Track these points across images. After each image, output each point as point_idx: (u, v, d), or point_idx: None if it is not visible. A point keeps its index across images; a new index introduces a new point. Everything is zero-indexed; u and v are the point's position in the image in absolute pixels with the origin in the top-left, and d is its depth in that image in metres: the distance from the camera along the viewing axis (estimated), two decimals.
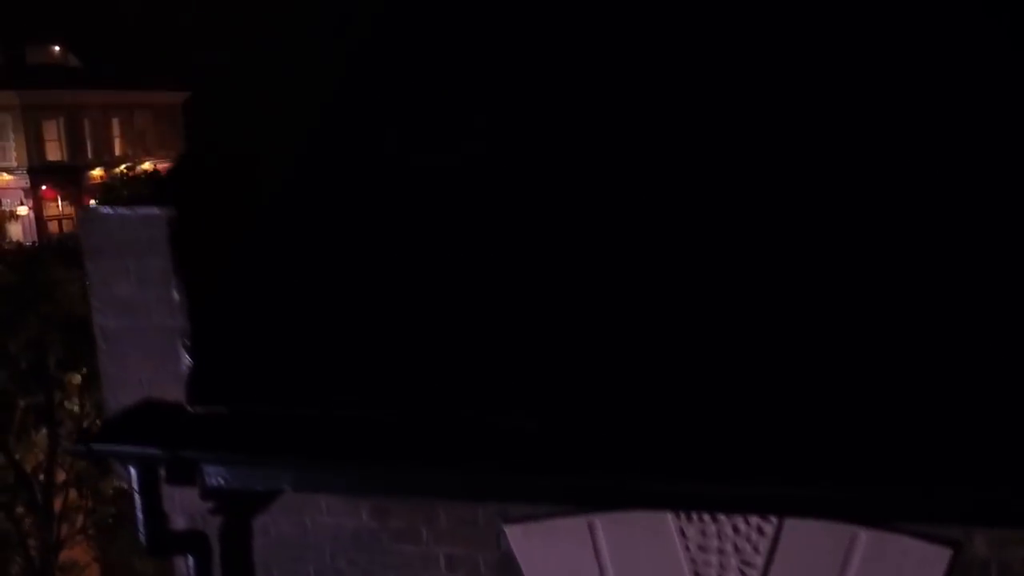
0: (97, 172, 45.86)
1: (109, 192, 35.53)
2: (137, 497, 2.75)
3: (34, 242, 43.17)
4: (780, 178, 2.89)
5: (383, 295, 2.87)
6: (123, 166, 47.45)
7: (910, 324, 2.59)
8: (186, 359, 2.81)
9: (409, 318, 2.87)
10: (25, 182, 43.28)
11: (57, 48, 49.10)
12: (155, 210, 2.75)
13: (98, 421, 13.05)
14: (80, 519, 13.22)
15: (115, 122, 47.45)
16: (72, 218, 45.10)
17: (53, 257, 40.80)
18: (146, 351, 2.87)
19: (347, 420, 2.81)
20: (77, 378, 12.94)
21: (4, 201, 43.74)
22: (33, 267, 16.22)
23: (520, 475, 2.72)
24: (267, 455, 2.72)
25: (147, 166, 48.91)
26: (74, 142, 44.59)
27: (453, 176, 2.99)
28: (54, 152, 44.15)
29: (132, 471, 2.71)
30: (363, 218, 2.98)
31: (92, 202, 44.54)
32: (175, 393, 2.83)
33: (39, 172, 43.38)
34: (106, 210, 2.83)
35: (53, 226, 44.66)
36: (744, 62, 3.26)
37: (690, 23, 3.44)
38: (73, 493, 13.09)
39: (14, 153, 43.18)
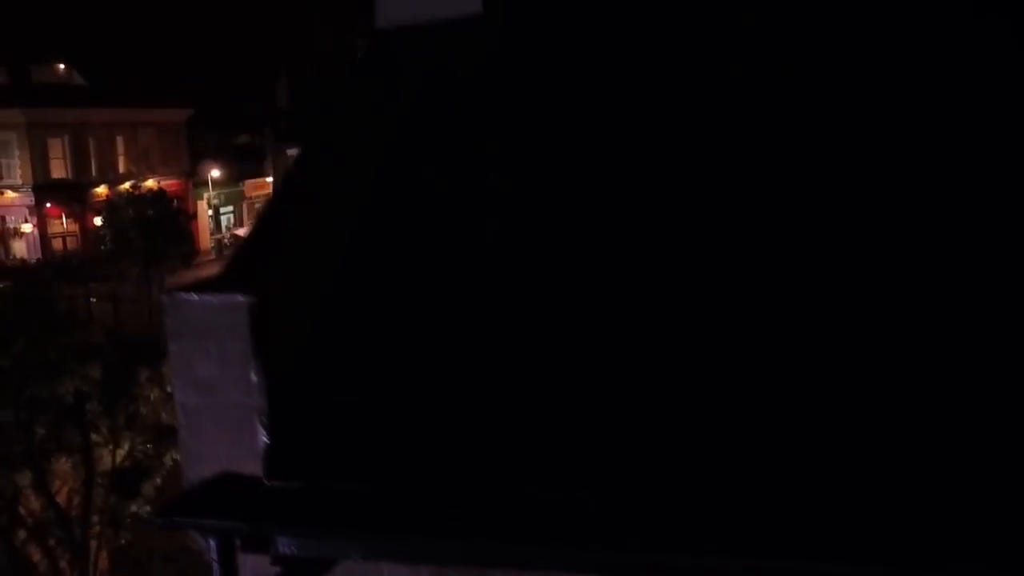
0: (101, 189, 46.08)
1: (114, 211, 35.77)
2: (216, 566, 2.92)
3: (38, 259, 43.38)
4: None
5: (443, 375, 3.06)
6: (128, 183, 47.72)
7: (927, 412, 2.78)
8: (263, 435, 2.99)
9: (468, 397, 3.06)
10: (30, 199, 43.47)
11: (62, 66, 49.43)
12: (236, 297, 2.93)
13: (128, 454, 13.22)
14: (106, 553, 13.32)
15: (119, 139, 47.69)
16: (76, 235, 45.32)
17: (56, 274, 41.05)
18: (224, 427, 3.05)
19: (409, 494, 3.00)
20: (107, 418, 13.03)
21: (8, 218, 43.97)
22: (44, 294, 16.35)
23: (572, 548, 2.91)
24: (339, 528, 2.90)
25: (151, 183, 49.19)
26: (79, 160, 44.82)
27: (511, 261, 3.20)
28: (59, 170, 44.36)
29: (212, 543, 2.89)
30: (424, 301, 3.17)
31: (96, 220, 44.73)
32: (251, 467, 3.01)
33: (44, 189, 43.57)
34: (189, 296, 3.01)
35: (57, 243, 44.84)
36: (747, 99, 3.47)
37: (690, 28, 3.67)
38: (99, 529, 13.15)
39: (19, 171, 43.39)
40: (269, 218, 3.61)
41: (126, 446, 13.24)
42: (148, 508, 12.42)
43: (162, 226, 33.75)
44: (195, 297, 2.99)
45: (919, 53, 3.54)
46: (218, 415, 3.07)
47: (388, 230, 3.41)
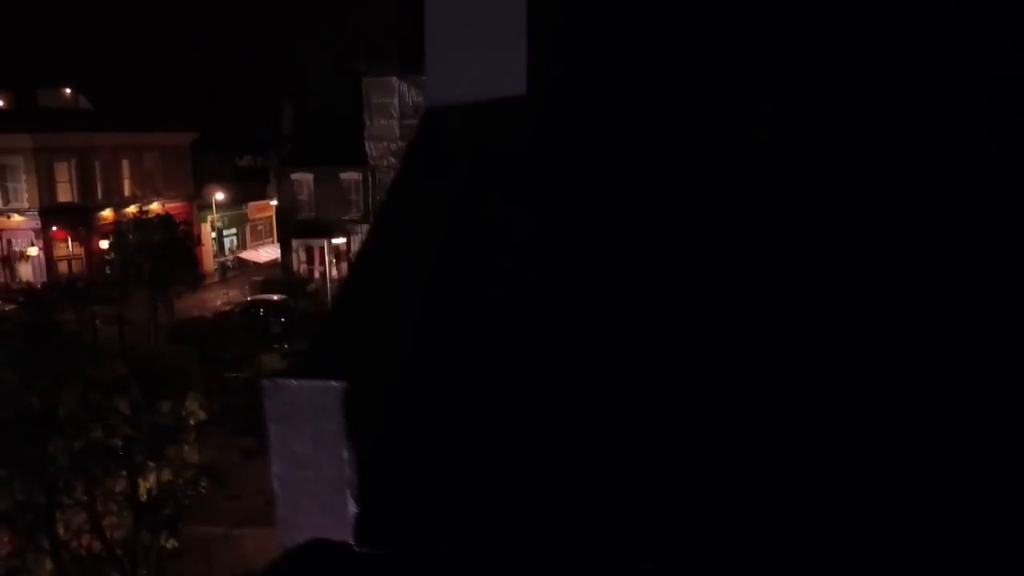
0: (107, 213, 46.47)
1: (121, 236, 36.09)
2: None
3: (43, 282, 43.69)
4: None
5: (529, 444, 3.38)
6: (134, 207, 48.12)
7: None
8: (353, 506, 3.30)
9: (554, 465, 3.37)
10: (36, 223, 43.85)
11: (68, 91, 49.94)
12: (331, 383, 3.26)
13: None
14: None
15: (125, 163, 48.15)
16: (81, 258, 45.65)
17: (62, 298, 41.23)
18: (317, 499, 3.36)
19: (496, 557, 3.32)
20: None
21: (15, 242, 44.33)
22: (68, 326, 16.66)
23: None
24: None
25: (156, 206, 49.59)
26: (84, 183, 45.24)
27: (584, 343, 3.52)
28: (65, 193, 44.77)
29: None
30: (492, 372, 3.49)
31: (102, 243, 44.94)
32: (342, 535, 3.32)
33: (50, 213, 43.96)
34: (288, 382, 3.34)
35: (62, 266, 45.16)
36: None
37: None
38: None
39: (25, 195, 43.79)
40: (344, 298, 3.94)
41: (154, 479, 13.49)
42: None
43: (170, 251, 34.09)
44: (293, 383, 3.30)
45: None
46: (312, 488, 3.38)
47: (450, 305, 3.74)
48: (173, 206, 51.28)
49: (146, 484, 13.26)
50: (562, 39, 5.05)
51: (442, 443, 3.37)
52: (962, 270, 3.45)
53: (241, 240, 57.79)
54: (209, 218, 52.75)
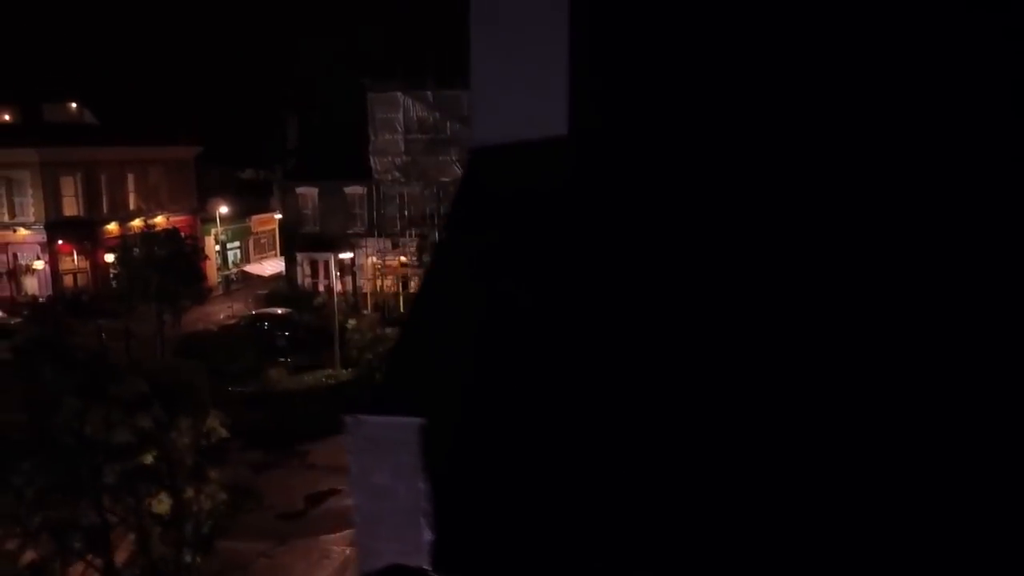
0: (112, 226, 46.72)
1: (127, 251, 36.28)
2: None
3: (49, 295, 43.89)
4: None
5: (584, 468, 3.62)
6: (138, 220, 48.35)
7: None
8: (429, 534, 3.53)
9: (613, 491, 3.61)
10: (42, 237, 44.08)
11: (73, 105, 50.25)
12: (409, 420, 3.49)
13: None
14: None
15: (130, 177, 48.43)
16: (87, 271, 45.87)
17: (68, 311, 41.32)
18: (395, 527, 3.59)
19: None
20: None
21: (21, 255, 44.54)
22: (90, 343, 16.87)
23: None
24: None
25: (160, 220, 49.82)
26: (90, 197, 45.50)
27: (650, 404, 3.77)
28: (71, 207, 45.01)
29: None
30: (551, 406, 3.73)
31: (108, 256, 45.14)
32: (419, 561, 3.55)
33: (56, 227, 44.20)
34: (368, 418, 3.57)
35: (68, 280, 45.37)
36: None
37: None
38: None
39: (31, 209, 44.04)
40: (409, 335, 4.18)
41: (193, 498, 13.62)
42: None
43: (176, 265, 34.31)
44: (372, 419, 3.54)
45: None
46: (390, 517, 3.61)
47: (506, 342, 3.99)
48: (177, 219, 51.52)
49: (185, 503, 13.43)
50: (604, 82, 5.32)
51: (511, 474, 3.61)
52: (974, 272, 3.68)
53: (244, 253, 58.02)
54: (213, 231, 52.99)
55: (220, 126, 64.91)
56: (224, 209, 52.73)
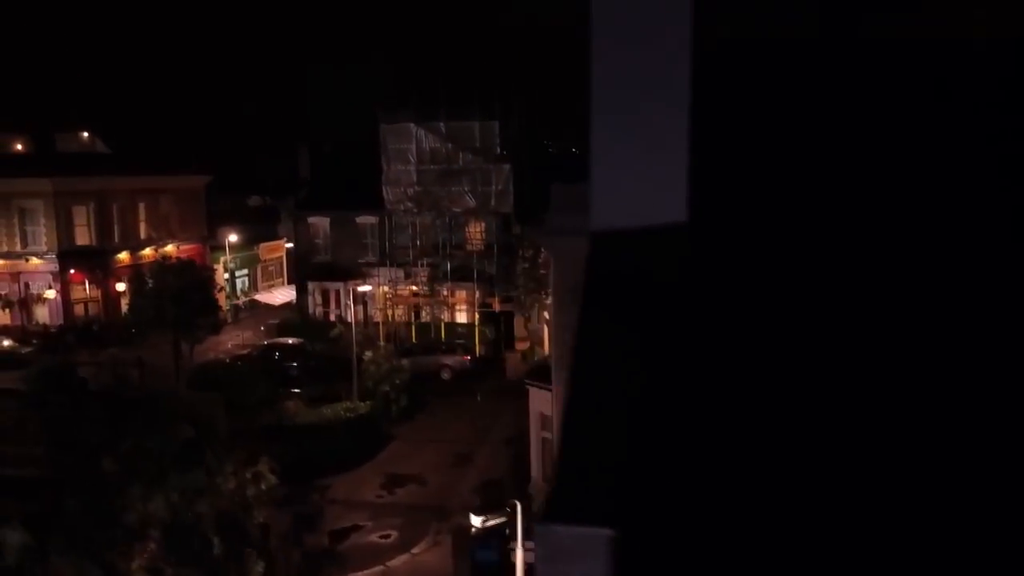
0: (124, 255, 46.83)
1: (141, 283, 36.35)
2: None
3: (60, 325, 43.91)
4: None
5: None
6: (150, 249, 48.50)
7: None
8: None
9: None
10: (54, 266, 44.17)
11: (85, 134, 50.54)
12: (599, 531, 3.59)
13: None
14: None
15: (141, 206, 48.60)
16: (98, 300, 45.92)
17: (79, 340, 41.27)
18: None
19: None
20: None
21: (32, 284, 44.59)
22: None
23: None
24: None
25: (170, 249, 49.96)
26: (102, 226, 45.64)
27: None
28: (83, 236, 45.14)
29: None
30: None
31: (119, 286, 45.17)
32: None
33: (68, 256, 44.31)
34: (559, 528, 3.67)
35: (79, 309, 45.41)
36: None
37: None
38: None
39: (44, 238, 44.18)
40: (574, 437, 4.27)
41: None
42: None
43: (192, 295, 34.40)
44: (560, 529, 3.63)
45: None
46: None
47: (667, 437, 4.09)
48: (187, 248, 51.69)
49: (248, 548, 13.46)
50: (720, 171, 5.46)
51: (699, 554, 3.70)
52: None
53: (252, 281, 58.10)
54: (222, 259, 53.10)
55: (228, 153, 65.29)
56: (233, 237, 52.87)
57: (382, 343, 36.16)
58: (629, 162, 5.21)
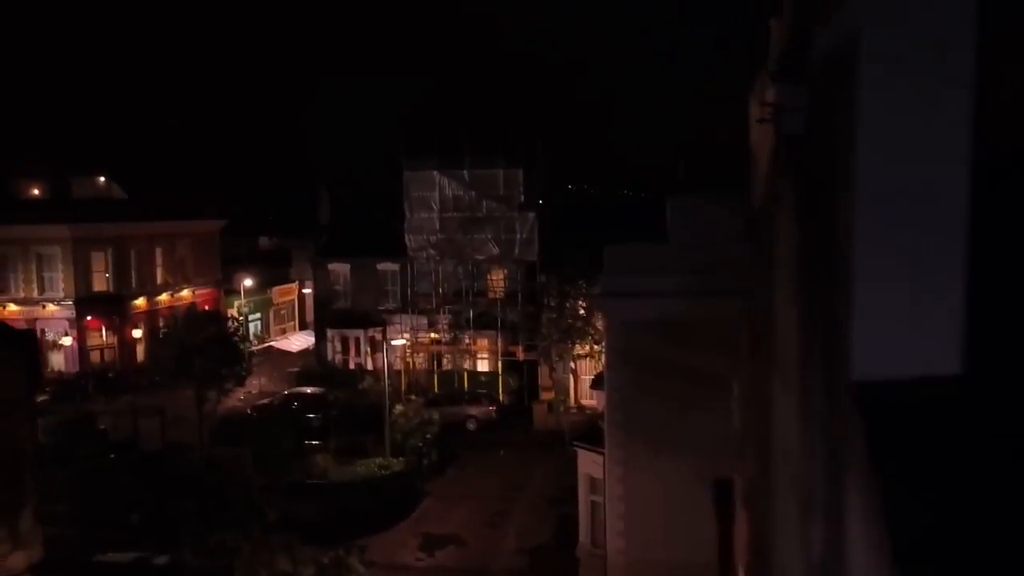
0: (140, 301, 46.38)
1: (165, 334, 35.83)
2: None
3: (76, 372, 43.30)
4: None
5: None
6: (166, 294, 48.07)
7: None
8: None
9: None
10: (71, 312, 43.69)
11: (101, 178, 50.30)
12: None
13: None
14: None
15: (158, 251, 48.25)
16: (114, 347, 45.35)
17: (96, 388, 40.61)
18: None
19: None
20: None
21: (48, 331, 44.01)
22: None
23: None
24: None
25: (186, 294, 49.55)
26: (120, 272, 45.24)
27: None
28: (100, 283, 44.72)
29: None
30: None
31: (135, 332, 44.81)
32: None
33: (85, 303, 43.84)
34: None
35: (95, 356, 44.82)
36: None
37: None
38: None
39: (62, 284, 43.73)
40: None
41: None
42: None
43: (219, 346, 33.91)
44: None
45: None
46: None
47: None
48: (202, 292, 51.30)
49: None
50: (998, 322, 5.11)
51: None
52: None
53: (265, 325, 57.59)
54: (236, 303, 52.63)
55: (239, 195, 65.14)
56: (248, 282, 52.49)
57: (414, 396, 35.62)
58: (896, 308, 4.86)
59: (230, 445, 31.31)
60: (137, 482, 29.24)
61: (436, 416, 32.95)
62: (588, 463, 22.63)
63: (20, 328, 24.69)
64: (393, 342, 38.06)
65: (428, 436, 31.72)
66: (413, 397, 34.94)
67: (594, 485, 22.60)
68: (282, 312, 60.27)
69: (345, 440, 32.69)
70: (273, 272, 59.66)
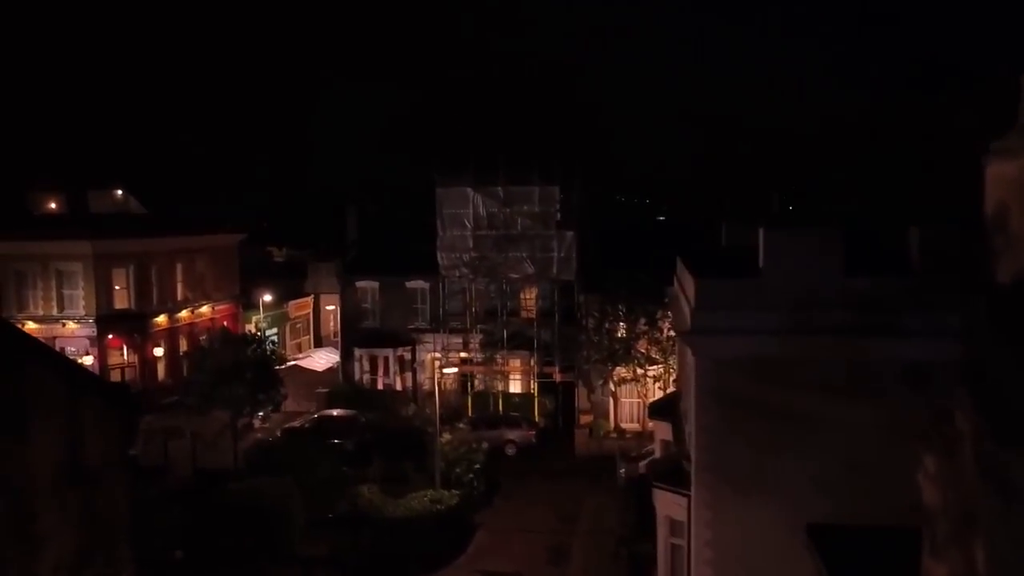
0: (161, 319, 45.17)
1: (206, 356, 34.66)
2: None
3: None
4: None
5: None
6: (186, 310, 46.85)
7: None
8: None
9: None
10: (91, 331, 42.40)
11: (119, 192, 49.05)
12: None
13: None
14: None
15: (179, 267, 47.03)
16: (135, 366, 44.12)
17: None
18: None
19: None
20: None
21: (69, 350, 42.67)
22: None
23: None
24: None
25: (205, 310, 48.36)
26: (141, 289, 44.00)
27: None
28: (122, 300, 43.46)
29: None
30: None
31: (156, 350, 43.58)
32: None
33: (106, 320, 42.56)
34: None
35: (115, 374, 43.52)
36: None
37: None
38: None
39: (82, 302, 42.44)
40: None
41: None
42: None
43: (256, 370, 32.84)
44: None
45: None
46: None
47: None
48: (221, 308, 50.12)
49: None
50: None
51: None
52: None
53: (282, 340, 56.32)
54: (254, 318, 51.41)
55: (253, 207, 63.97)
56: (268, 297, 51.29)
57: (462, 425, 34.52)
58: None
59: (266, 472, 30.15)
60: (178, 515, 28.12)
61: (484, 444, 31.94)
62: (668, 504, 21.65)
63: (116, 382, 23.47)
64: (445, 370, 36.78)
65: (477, 466, 30.69)
66: (461, 425, 33.85)
67: (674, 527, 21.65)
68: (298, 326, 59.00)
69: (386, 468, 31.55)
70: (288, 285, 58.36)
